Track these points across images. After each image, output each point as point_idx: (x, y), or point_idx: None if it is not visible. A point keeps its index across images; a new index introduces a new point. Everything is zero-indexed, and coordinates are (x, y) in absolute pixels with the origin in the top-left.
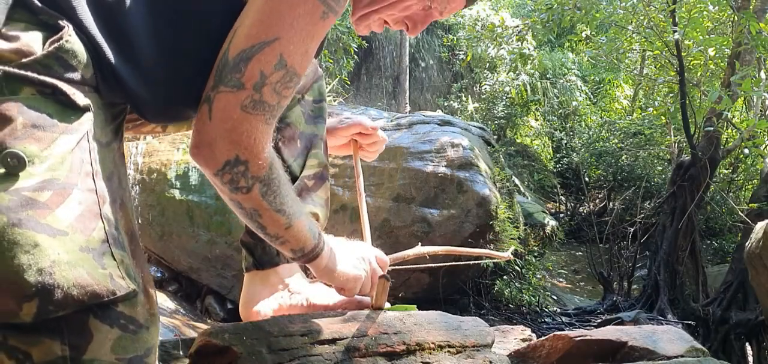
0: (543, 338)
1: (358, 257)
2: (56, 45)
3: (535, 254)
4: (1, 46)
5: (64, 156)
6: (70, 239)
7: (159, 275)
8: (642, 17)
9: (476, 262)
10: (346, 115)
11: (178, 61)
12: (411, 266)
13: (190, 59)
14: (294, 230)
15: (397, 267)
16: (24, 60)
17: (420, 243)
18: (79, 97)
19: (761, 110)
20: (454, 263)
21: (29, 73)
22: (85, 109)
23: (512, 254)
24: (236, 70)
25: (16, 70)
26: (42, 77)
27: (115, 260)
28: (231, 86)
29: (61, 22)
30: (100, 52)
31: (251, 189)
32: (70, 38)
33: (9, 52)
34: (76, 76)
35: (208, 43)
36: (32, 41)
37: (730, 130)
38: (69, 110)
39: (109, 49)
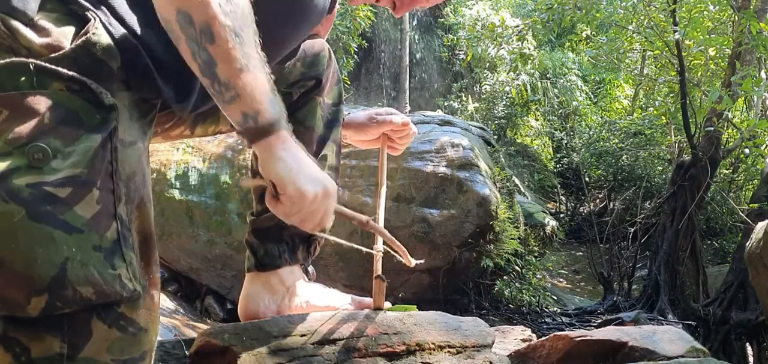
0: (543, 338)
1: (317, 175)
2: (84, 39)
3: (535, 254)
4: (32, 39)
5: (87, 153)
6: (85, 237)
7: (159, 275)
8: (642, 17)
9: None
10: (376, 111)
11: None
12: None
13: None
14: (250, 79)
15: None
16: (53, 55)
17: (371, 219)
18: (106, 96)
19: (761, 110)
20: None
21: (58, 69)
22: (111, 108)
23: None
24: None
25: (45, 65)
26: (71, 73)
27: (124, 261)
28: None
29: (88, 14)
30: (129, 43)
31: None
32: (97, 31)
33: (40, 45)
34: (104, 70)
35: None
36: (62, 35)
37: (730, 130)
38: (95, 108)
39: (144, 36)
